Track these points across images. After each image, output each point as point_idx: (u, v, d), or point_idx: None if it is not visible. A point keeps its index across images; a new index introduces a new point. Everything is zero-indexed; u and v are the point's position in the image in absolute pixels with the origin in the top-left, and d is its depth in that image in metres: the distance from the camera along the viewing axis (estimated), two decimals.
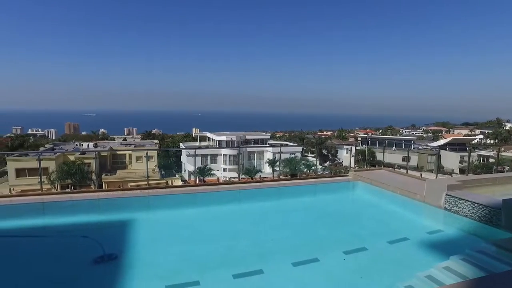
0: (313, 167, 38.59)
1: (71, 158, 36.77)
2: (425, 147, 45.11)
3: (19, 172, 33.58)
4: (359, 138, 69.29)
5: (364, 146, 47.81)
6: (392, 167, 15.22)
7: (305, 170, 39.63)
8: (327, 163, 54.93)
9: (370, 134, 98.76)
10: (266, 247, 6.09)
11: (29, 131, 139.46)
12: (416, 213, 8.14)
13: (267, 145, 57.69)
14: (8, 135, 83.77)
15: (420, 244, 6.04)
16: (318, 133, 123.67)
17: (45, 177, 28.79)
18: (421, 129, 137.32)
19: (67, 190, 27.60)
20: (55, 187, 30.60)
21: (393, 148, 49.90)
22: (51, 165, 33.16)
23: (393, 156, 40.02)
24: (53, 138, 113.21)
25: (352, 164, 12.68)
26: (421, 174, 14.55)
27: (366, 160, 21.80)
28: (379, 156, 39.59)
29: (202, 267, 5.17)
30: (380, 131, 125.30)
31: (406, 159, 14.57)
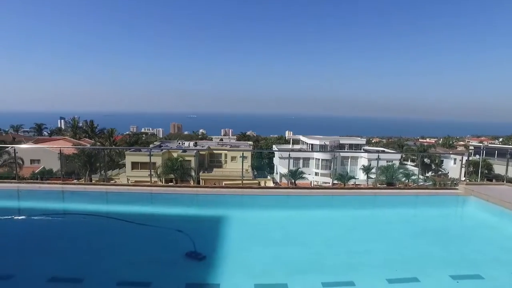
0: (412, 177, 35.32)
1: (175, 155, 40.54)
2: None
3: (134, 165, 38.73)
4: (471, 147, 60.61)
5: (477, 156, 41.71)
6: None
7: (403, 179, 36.57)
8: (430, 173, 49.64)
9: (485, 142, 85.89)
10: (359, 258, 5.69)
11: (142, 130, 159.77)
12: None
13: (362, 150, 54.93)
14: (127, 133, 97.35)
15: None
16: (420, 140, 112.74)
17: (153, 170, 32.60)
18: None
19: (170, 183, 30.79)
20: (160, 181, 34.40)
21: None
22: (158, 161, 37.37)
23: None
24: (160, 136, 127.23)
25: (463, 176, 11.09)
26: None
27: (480, 172, 18.90)
28: (498, 169, 34.00)
29: (291, 270, 5.09)
30: (501, 139, 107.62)
31: None
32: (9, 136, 58.82)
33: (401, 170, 39.11)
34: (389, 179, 34.68)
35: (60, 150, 29.84)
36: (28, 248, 5.77)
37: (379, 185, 15.88)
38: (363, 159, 48.28)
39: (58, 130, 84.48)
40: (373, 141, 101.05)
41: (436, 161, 52.22)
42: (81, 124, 69.05)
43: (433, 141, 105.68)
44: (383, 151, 52.77)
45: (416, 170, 40.53)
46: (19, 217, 7.96)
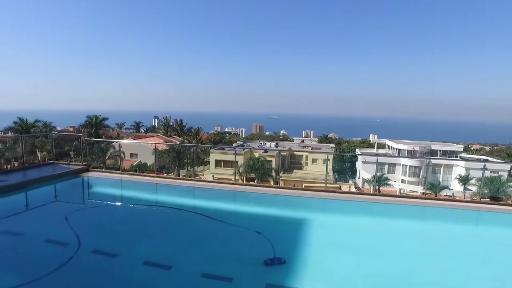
0: None
1: (256, 155, 41.66)
2: None
3: (217, 163, 40.89)
4: None
5: None
6: None
7: None
8: None
9: None
10: (458, 280, 5.01)
11: (226, 129, 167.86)
12: None
13: (459, 158, 49.06)
14: (212, 132, 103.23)
15: None
16: None
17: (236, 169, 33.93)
18: None
19: (251, 182, 31.66)
20: (241, 179, 35.58)
21: None
22: (240, 160, 38.80)
23: None
24: (243, 136, 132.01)
25: None
26: None
27: None
28: None
29: (375, 283, 4.73)
30: None
31: None
32: (114, 132, 67.37)
33: (511, 183, 33.70)
34: (494, 192, 30.19)
35: (155, 146, 33.11)
36: (128, 232, 6.49)
37: (483, 199, 13.83)
38: (459, 168, 43.11)
39: (153, 128, 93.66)
40: (472, 148, 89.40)
41: None
42: (171, 123, 75.72)
43: None
44: (486, 160, 46.21)
45: None
46: (122, 204, 9.02)
